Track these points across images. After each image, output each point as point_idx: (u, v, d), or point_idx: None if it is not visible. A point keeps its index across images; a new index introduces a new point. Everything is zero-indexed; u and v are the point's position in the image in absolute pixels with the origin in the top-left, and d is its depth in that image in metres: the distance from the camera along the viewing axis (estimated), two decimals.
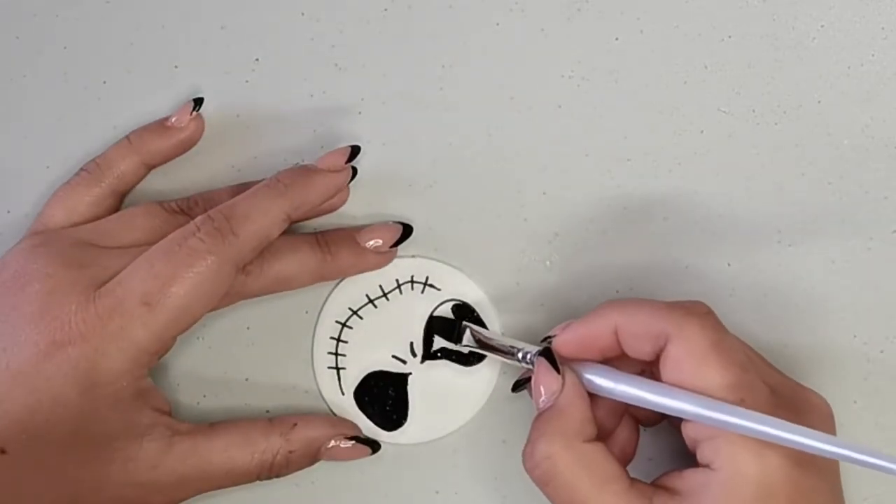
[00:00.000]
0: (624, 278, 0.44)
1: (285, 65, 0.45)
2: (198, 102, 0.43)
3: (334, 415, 0.44)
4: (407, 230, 0.43)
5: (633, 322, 0.38)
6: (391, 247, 0.43)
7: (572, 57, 0.44)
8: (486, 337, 0.42)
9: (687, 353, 0.36)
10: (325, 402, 0.44)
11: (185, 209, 0.42)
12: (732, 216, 0.44)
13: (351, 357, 0.44)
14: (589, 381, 0.39)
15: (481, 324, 0.44)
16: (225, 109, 0.45)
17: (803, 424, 0.35)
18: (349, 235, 0.43)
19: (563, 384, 0.38)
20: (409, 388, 0.43)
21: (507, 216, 0.44)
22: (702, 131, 0.44)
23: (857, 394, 0.43)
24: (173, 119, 0.44)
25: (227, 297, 0.40)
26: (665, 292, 0.44)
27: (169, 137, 0.43)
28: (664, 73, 0.44)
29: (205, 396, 0.44)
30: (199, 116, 0.44)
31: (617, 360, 0.40)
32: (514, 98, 0.45)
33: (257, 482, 0.40)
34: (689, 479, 0.36)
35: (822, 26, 0.44)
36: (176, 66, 0.45)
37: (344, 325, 0.44)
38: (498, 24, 0.45)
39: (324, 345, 0.44)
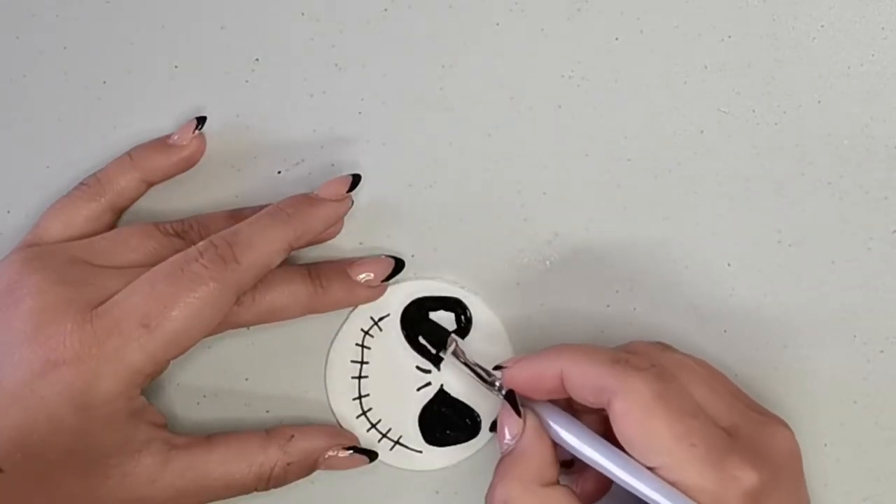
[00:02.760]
0: (624, 278, 0.44)
1: (285, 65, 0.45)
2: (200, 121, 0.43)
3: (336, 419, 0.44)
4: (399, 264, 0.43)
5: (576, 372, 0.37)
6: (382, 281, 0.43)
7: (572, 57, 0.44)
8: (467, 357, 0.42)
9: (632, 408, 0.36)
10: (331, 408, 0.44)
11: (181, 232, 0.42)
12: (732, 216, 0.44)
13: (374, 365, 0.44)
14: (549, 425, 0.38)
15: (466, 329, 0.44)
16: (225, 109, 0.45)
17: (759, 467, 0.35)
18: (341, 269, 0.43)
19: (524, 427, 0.38)
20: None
21: (507, 216, 0.44)
22: (702, 131, 0.44)
23: (857, 394, 0.43)
24: (175, 137, 0.43)
25: (219, 325, 0.40)
26: (665, 292, 0.44)
27: (170, 155, 0.43)
28: (664, 73, 0.44)
29: (204, 397, 0.44)
30: (201, 135, 0.43)
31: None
32: (514, 98, 0.45)
33: (255, 493, 0.40)
34: None
35: (822, 26, 0.44)
36: (176, 66, 0.45)
37: (367, 333, 0.44)
38: (498, 24, 0.45)
39: (346, 352, 0.44)
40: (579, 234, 0.44)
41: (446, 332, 0.43)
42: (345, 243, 0.44)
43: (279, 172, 0.45)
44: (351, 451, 0.42)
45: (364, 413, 0.43)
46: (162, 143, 0.43)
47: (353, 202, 0.43)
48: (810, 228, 0.44)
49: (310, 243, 0.42)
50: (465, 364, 0.41)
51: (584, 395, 0.37)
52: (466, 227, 0.44)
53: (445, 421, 0.43)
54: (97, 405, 0.37)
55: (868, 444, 0.43)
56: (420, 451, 0.44)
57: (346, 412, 0.44)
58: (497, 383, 0.40)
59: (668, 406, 0.36)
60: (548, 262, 0.44)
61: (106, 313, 0.38)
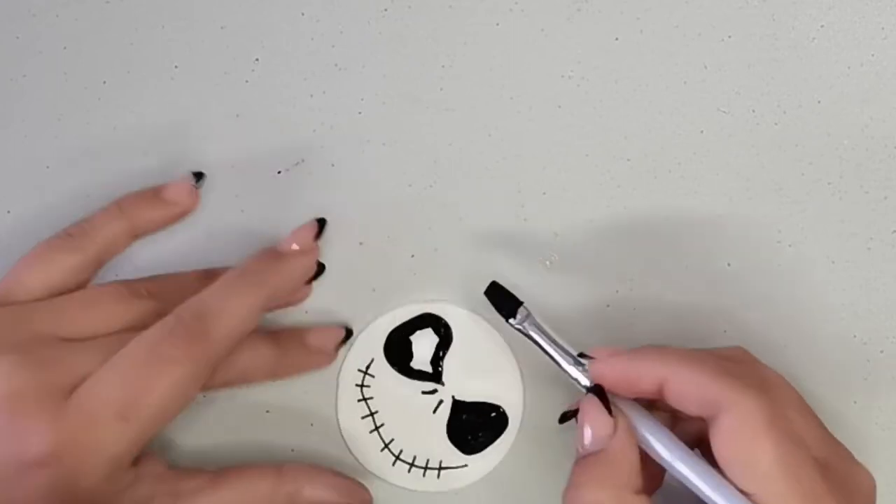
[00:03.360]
0: (624, 278, 0.44)
1: (285, 65, 0.45)
2: (197, 177, 0.43)
3: (344, 440, 0.43)
4: (348, 333, 0.43)
5: (686, 383, 0.35)
6: (335, 348, 0.43)
7: (572, 57, 0.45)
8: (545, 331, 0.39)
9: (742, 427, 0.34)
10: (341, 431, 0.43)
11: (153, 294, 0.40)
12: (732, 216, 0.44)
13: (385, 410, 0.43)
14: (637, 431, 0.36)
15: (448, 338, 0.43)
16: (225, 109, 0.45)
17: None
18: (298, 336, 0.42)
19: (616, 429, 0.36)
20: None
21: (507, 216, 0.44)
22: (702, 131, 0.44)
23: (857, 394, 0.43)
24: (169, 193, 0.42)
25: None
26: (665, 292, 0.44)
27: (163, 210, 0.42)
28: (664, 73, 0.44)
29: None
30: (196, 192, 0.43)
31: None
32: (514, 98, 0.45)
33: None
34: None
35: (822, 26, 0.44)
36: (176, 66, 0.45)
37: (362, 385, 0.43)
38: (498, 24, 0.45)
39: (354, 407, 0.43)
40: (579, 234, 0.44)
41: (518, 302, 0.40)
42: (345, 243, 0.44)
43: (279, 172, 0.45)
44: None
45: (397, 458, 0.43)
46: (154, 196, 0.42)
47: (323, 267, 0.42)
48: (810, 228, 0.44)
49: (280, 304, 0.42)
50: (546, 337, 0.38)
51: (687, 404, 0.35)
52: (466, 227, 0.44)
53: (472, 426, 0.43)
54: (85, 497, 0.36)
55: (868, 444, 0.43)
56: (465, 465, 0.43)
57: (381, 464, 0.43)
58: (576, 369, 0.37)
59: (778, 432, 0.34)
60: (548, 262, 0.44)
61: (80, 406, 0.36)
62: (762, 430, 0.34)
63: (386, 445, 0.43)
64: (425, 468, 0.43)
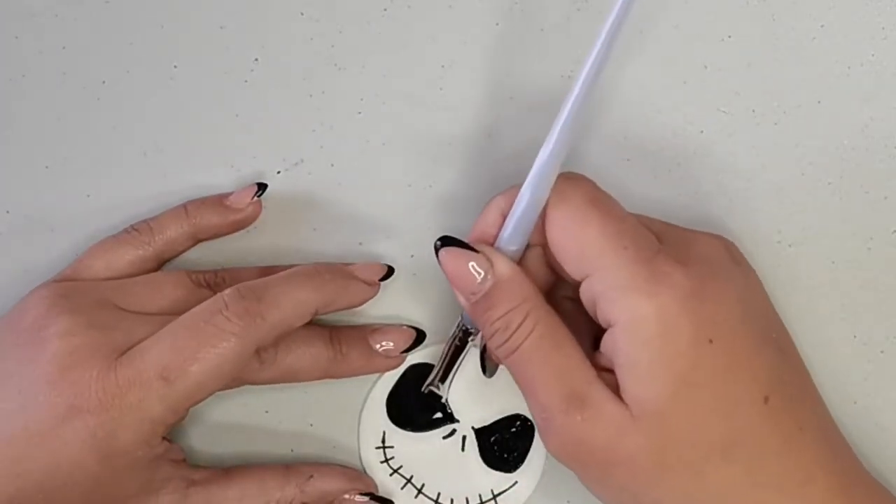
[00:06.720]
0: None
1: (285, 65, 0.45)
2: (261, 187, 0.43)
3: (360, 454, 0.44)
4: (420, 336, 0.43)
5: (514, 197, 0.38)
6: (402, 352, 0.43)
7: (572, 57, 0.44)
8: (436, 372, 0.42)
9: (567, 212, 0.37)
10: (359, 450, 0.44)
11: (212, 285, 0.42)
12: (732, 216, 0.44)
13: (409, 466, 0.43)
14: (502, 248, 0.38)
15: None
16: (225, 109, 0.45)
17: (687, 264, 0.36)
18: (362, 336, 0.42)
19: (493, 259, 0.37)
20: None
21: None
22: (702, 131, 0.44)
23: (857, 394, 0.43)
24: (232, 199, 0.43)
25: (236, 380, 0.40)
26: None
27: (225, 216, 0.43)
28: (664, 73, 0.44)
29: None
30: (259, 201, 0.43)
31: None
32: (514, 98, 0.45)
33: None
34: (604, 346, 0.37)
35: (822, 26, 0.44)
36: (176, 66, 0.45)
37: (387, 460, 0.43)
38: (498, 24, 0.45)
39: (373, 455, 0.43)
40: None
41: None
42: (345, 245, 0.44)
43: (279, 172, 0.45)
44: (368, 498, 0.42)
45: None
46: (218, 203, 0.43)
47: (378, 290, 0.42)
48: (810, 228, 0.44)
49: (333, 312, 0.42)
50: (442, 367, 0.41)
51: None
52: (467, 227, 0.44)
53: (504, 444, 0.43)
54: (119, 454, 0.37)
55: (868, 444, 0.43)
56: (516, 483, 0.43)
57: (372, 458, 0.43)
58: (455, 329, 0.40)
59: (599, 209, 0.37)
60: None
61: (129, 363, 0.37)
62: (586, 209, 0.37)
63: (435, 501, 0.43)
64: (486, 502, 0.43)
